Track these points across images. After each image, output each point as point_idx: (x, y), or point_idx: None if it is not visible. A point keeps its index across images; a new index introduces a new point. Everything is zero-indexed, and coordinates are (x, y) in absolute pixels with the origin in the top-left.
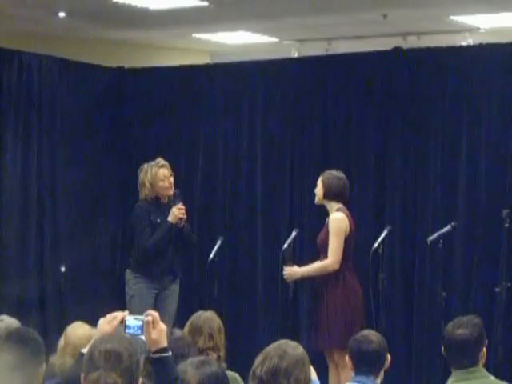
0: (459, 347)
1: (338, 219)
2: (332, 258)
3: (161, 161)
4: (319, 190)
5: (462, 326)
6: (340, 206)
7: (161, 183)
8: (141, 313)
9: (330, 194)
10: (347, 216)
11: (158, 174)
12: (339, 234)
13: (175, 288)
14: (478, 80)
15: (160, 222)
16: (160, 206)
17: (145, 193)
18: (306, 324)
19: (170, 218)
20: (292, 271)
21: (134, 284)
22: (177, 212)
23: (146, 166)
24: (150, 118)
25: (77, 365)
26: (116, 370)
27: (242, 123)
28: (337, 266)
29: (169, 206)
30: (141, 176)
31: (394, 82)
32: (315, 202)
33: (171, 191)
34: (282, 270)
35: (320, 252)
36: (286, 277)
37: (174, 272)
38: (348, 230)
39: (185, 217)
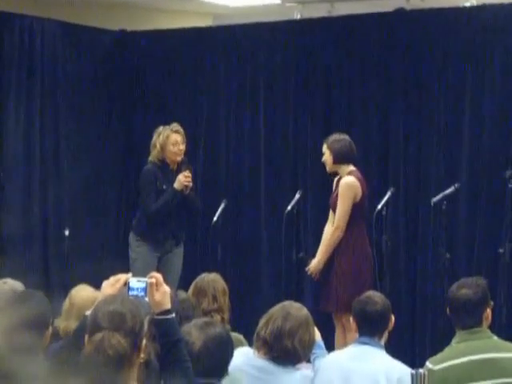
0: (463, 307)
1: (348, 184)
2: (337, 224)
3: (176, 126)
4: (327, 157)
5: (466, 287)
6: (351, 168)
7: (171, 147)
8: (144, 276)
9: (338, 158)
10: (359, 180)
11: (170, 139)
12: (346, 198)
13: (178, 251)
14: (482, 40)
15: (166, 188)
16: (168, 172)
17: (154, 155)
18: (315, 286)
19: (175, 185)
20: (314, 266)
21: (137, 247)
22: (183, 179)
23: (161, 128)
24: (152, 80)
25: (81, 327)
26: (120, 331)
27: (245, 86)
28: (341, 231)
29: (176, 173)
30: (154, 137)
31: (397, 43)
32: (328, 171)
33: (179, 158)
34: (284, 237)
35: (331, 214)
36: (311, 274)
37: (176, 237)
38: (360, 194)
39: (190, 184)
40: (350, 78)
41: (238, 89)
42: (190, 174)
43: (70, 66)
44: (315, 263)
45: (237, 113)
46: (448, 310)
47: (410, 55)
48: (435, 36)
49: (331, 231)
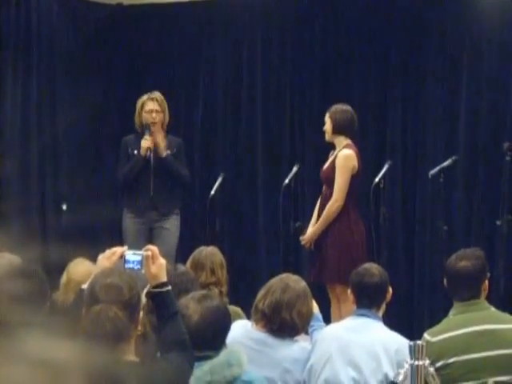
0: (462, 279)
1: (347, 156)
2: (336, 196)
3: (154, 94)
4: (328, 126)
5: (464, 259)
6: (349, 142)
7: (144, 115)
8: (132, 246)
9: (338, 128)
10: (356, 154)
11: (145, 106)
12: (345, 171)
13: (171, 224)
14: (479, 15)
15: (136, 153)
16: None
17: (135, 122)
18: (309, 258)
19: (141, 151)
20: (308, 236)
21: (125, 218)
22: (143, 143)
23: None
24: (149, 53)
25: (78, 300)
26: (117, 304)
27: (242, 59)
28: (341, 203)
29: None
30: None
31: (396, 16)
32: (326, 139)
33: (156, 126)
34: (281, 210)
35: (324, 184)
36: (305, 244)
37: (159, 208)
38: (357, 167)
39: (151, 146)
40: (348, 51)
41: (235, 62)
42: (148, 137)
43: (66, 40)
44: (310, 233)
45: (234, 86)
46: (446, 281)
47: (408, 29)
48: (433, 8)
49: (330, 203)
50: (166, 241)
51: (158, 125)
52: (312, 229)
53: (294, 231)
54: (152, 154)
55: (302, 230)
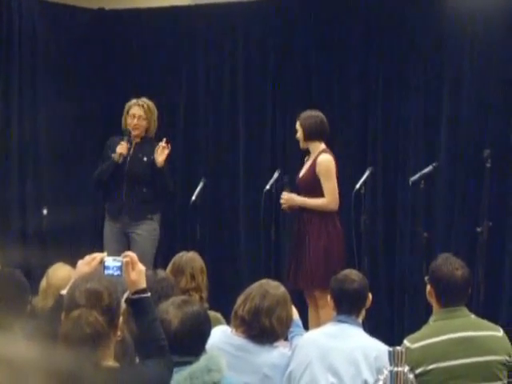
0: (456, 288)
1: (328, 160)
2: (330, 199)
3: (142, 100)
4: (300, 134)
5: (459, 268)
6: (323, 147)
7: (129, 120)
8: (107, 249)
9: (310, 134)
10: (333, 158)
11: (130, 111)
12: (331, 175)
13: (143, 229)
14: (460, 19)
15: (112, 156)
16: (129, 143)
17: (122, 124)
18: (287, 263)
19: (113, 154)
20: (290, 197)
21: (105, 221)
22: (117, 148)
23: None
24: (130, 59)
25: (57, 305)
26: (97, 309)
27: (224, 65)
28: (336, 207)
29: (136, 146)
30: None
31: (377, 23)
32: (301, 147)
33: (136, 132)
34: (262, 216)
35: (301, 192)
36: (283, 201)
37: (130, 213)
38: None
39: (124, 152)
40: (329, 55)
41: (217, 67)
42: (123, 143)
43: (48, 44)
44: (294, 198)
45: (215, 92)
46: (435, 288)
47: (390, 38)
48: (403, 21)
49: (324, 201)
50: (139, 246)
51: (140, 131)
52: (297, 197)
53: (275, 239)
54: (130, 159)
55: (286, 187)
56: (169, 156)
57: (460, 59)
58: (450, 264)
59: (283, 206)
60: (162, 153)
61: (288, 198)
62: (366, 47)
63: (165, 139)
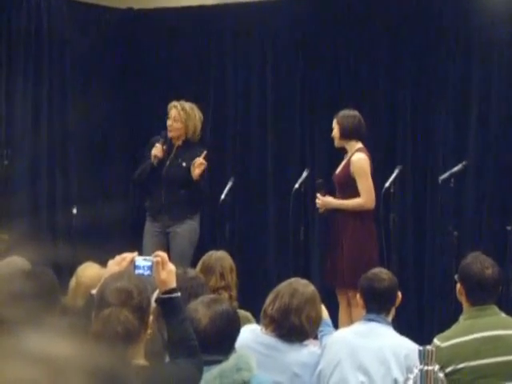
0: (488, 287)
1: (362, 159)
2: (366, 198)
3: (179, 102)
4: (336, 132)
5: (489, 266)
6: (360, 145)
7: (168, 121)
8: (146, 247)
9: (347, 134)
10: (369, 157)
11: (169, 113)
12: (366, 173)
13: (183, 228)
14: (490, 14)
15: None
16: (170, 145)
17: None
18: (321, 261)
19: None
20: (326, 201)
21: (146, 221)
22: (153, 150)
23: None
24: (159, 58)
25: (87, 305)
26: (127, 307)
27: (252, 64)
28: (372, 205)
29: (177, 149)
30: None
31: (407, 20)
32: (335, 145)
33: (171, 134)
34: (291, 215)
35: (337, 190)
36: (319, 206)
37: (173, 214)
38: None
39: (158, 154)
40: (358, 56)
41: (245, 66)
42: (158, 145)
43: (77, 45)
44: (330, 200)
45: (244, 90)
46: (465, 286)
47: (420, 33)
48: (431, 14)
49: (360, 202)
50: (178, 245)
51: (176, 133)
52: (332, 199)
53: (304, 238)
54: (170, 163)
55: (321, 189)
56: (205, 170)
57: (489, 58)
58: (480, 262)
59: (320, 210)
60: (198, 167)
61: (323, 202)
62: (395, 46)
63: (205, 153)
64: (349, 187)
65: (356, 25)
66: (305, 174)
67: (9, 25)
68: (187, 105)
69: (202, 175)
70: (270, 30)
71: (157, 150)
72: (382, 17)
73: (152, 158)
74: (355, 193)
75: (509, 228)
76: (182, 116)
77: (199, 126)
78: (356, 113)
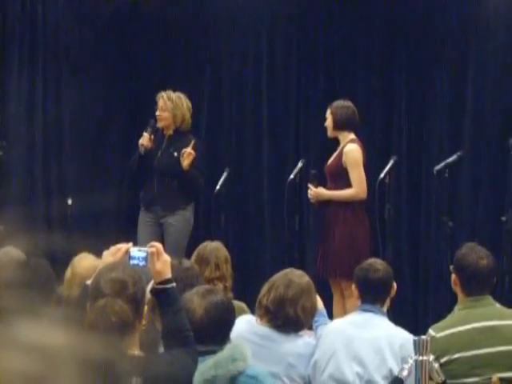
0: (482, 277)
1: (354, 150)
2: (359, 188)
3: (167, 93)
4: (329, 122)
5: (484, 257)
6: (353, 136)
7: (156, 112)
8: (140, 237)
9: (340, 124)
10: (361, 148)
11: (157, 103)
12: (358, 164)
13: (175, 219)
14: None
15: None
16: (160, 135)
17: None
18: (315, 252)
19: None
20: (318, 192)
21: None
22: (140, 140)
23: None
24: (155, 49)
25: (82, 295)
26: (122, 297)
27: (248, 52)
28: (364, 195)
29: (168, 139)
30: None
31: (400, 9)
32: (328, 135)
33: (161, 123)
34: (286, 205)
35: (328, 181)
36: (311, 197)
37: (165, 205)
38: (362, 161)
39: (145, 143)
40: (354, 46)
41: (241, 57)
42: (145, 134)
43: (72, 35)
44: (321, 192)
45: (239, 81)
46: (459, 277)
47: (414, 24)
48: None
49: (351, 192)
50: (171, 236)
51: (164, 123)
52: (325, 191)
53: (299, 228)
54: (161, 153)
55: (316, 179)
56: (195, 159)
57: (484, 46)
58: (475, 253)
59: (311, 200)
60: (187, 157)
61: (315, 193)
62: (389, 35)
63: (193, 142)
64: (341, 178)
65: (353, 17)
66: (300, 164)
67: (4, 15)
68: (174, 94)
69: (191, 165)
70: (266, 21)
71: (143, 140)
72: (377, 9)
73: (139, 147)
74: (347, 183)
75: (503, 218)
76: (168, 105)
77: (187, 114)
78: (350, 104)
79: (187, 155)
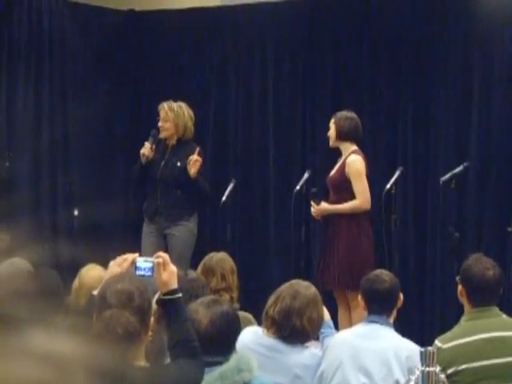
0: (489, 288)
1: (357, 161)
2: (362, 199)
3: (168, 104)
4: (332, 132)
5: (491, 268)
6: (355, 148)
7: (159, 123)
8: (143, 248)
9: (343, 135)
10: (364, 159)
11: (159, 114)
12: (361, 174)
13: (179, 230)
14: (490, 15)
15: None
16: (163, 145)
17: None
18: (317, 264)
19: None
20: (321, 209)
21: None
22: (142, 149)
23: None
24: (160, 61)
25: (89, 306)
26: (128, 309)
27: (254, 65)
28: (368, 206)
29: (171, 149)
30: None
31: (403, 23)
32: (330, 145)
33: (163, 134)
34: (293, 216)
35: (331, 192)
36: (314, 215)
37: (169, 215)
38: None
39: (146, 153)
40: (360, 58)
41: (246, 68)
42: (147, 144)
43: (78, 46)
44: (324, 207)
45: (246, 93)
46: (466, 288)
47: (419, 36)
48: (433, 14)
49: (356, 204)
50: (176, 247)
51: (166, 133)
52: (328, 206)
53: (305, 237)
54: (165, 163)
55: (317, 196)
56: (201, 166)
57: (490, 57)
58: (481, 264)
59: (316, 217)
60: (194, 165)
61: (319, 210)
62: (396, 45)
63: (197, 150)
64: (344, 189)
65: (359, 28)
66: (306, 175)
67: (10, 25)
68: (175, 104)
69: (198, 172)
70: (272, 31)
71: (145, 149)
72: (383, 13)
73: (141, 156)
74: (350, 194)
75: (510, 229)
76: (170, 116)
77: (190, 123)
78: (354, 115)
79: (194, 162)
